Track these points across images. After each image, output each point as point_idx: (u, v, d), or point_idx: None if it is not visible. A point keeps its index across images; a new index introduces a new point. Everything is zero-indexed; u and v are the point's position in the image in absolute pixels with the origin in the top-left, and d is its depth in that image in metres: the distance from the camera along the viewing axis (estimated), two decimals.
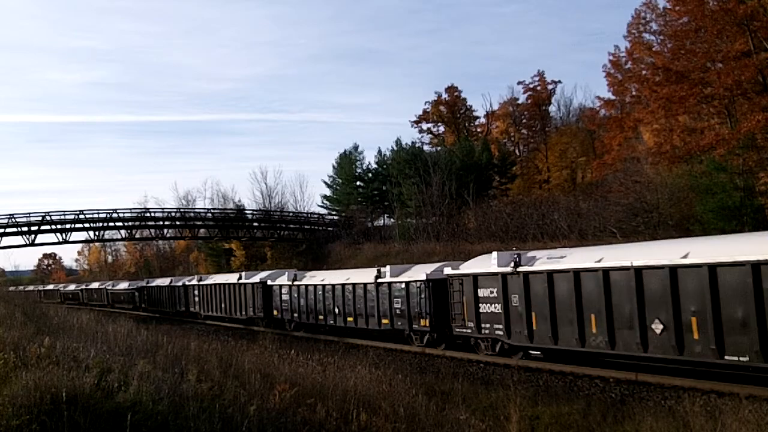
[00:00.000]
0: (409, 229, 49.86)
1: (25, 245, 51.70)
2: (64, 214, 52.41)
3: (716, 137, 30.30)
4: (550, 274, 15.59)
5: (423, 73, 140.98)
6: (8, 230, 50.15)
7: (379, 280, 22.47)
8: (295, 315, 27.96)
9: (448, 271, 19.35)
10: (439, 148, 59.85)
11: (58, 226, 52.32)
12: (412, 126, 68.03)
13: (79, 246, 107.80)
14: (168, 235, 65.44)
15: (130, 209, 58.06)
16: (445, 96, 66.02)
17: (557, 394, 13.54)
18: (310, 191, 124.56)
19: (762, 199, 27.92)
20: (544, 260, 16.12)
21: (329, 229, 61.18)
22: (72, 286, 78.81)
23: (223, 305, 34.83)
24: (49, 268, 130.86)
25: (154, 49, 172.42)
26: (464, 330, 18.66)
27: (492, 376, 16.33)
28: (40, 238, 52.90)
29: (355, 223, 57.87)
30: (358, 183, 62.54)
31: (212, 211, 63.78)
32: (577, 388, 14.35)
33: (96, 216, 54.03)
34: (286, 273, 30.00)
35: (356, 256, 50.33)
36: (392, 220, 57.95)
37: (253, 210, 65.02)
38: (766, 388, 11.85)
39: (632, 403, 12.38)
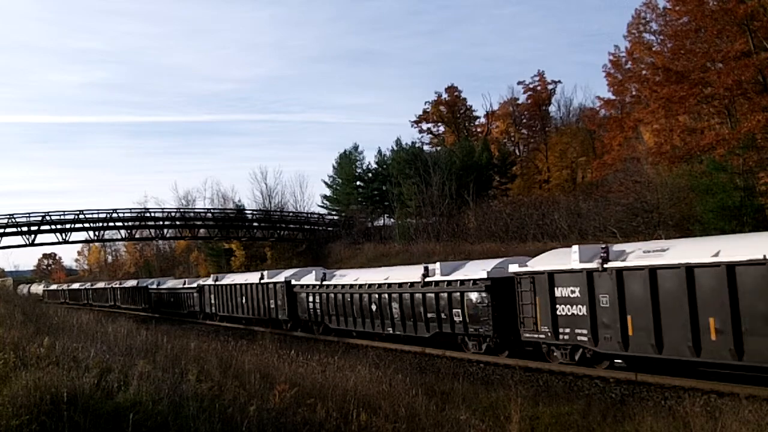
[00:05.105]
0: (409, 229, 49.88)
1: (25, 245, 51.74)
2: (64, 214, 52.41)
3: (716, 137, 30.30)
4: (653, 270, 13.44)
5: (423, 73, 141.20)
6: (8, 230, 50.16)
7: (428, 279, 20.43)
8: (326, 318, 25.87)
9: (514, 268, 17.26)
10: (439, 148, 59.88)
11: (58, 226, 52.31)
12: (412, 126, 68.28)
13: (78, 246, 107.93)
14: (168, 235, 65.45)
15: (130, 209, 58.19)
16: (445, 96, 66.08)
17: (557, 394, 13.54)
18: (310, 191, 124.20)
19: (762, 199, 27.90)
20: (640, 254, 14.19)
21: (329, 229, 61.17)
22: (173, 282, 47.57)
23: (243, 307, 32.66)
24: (49, 268, 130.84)
25: (155, 50, 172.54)
26: (536, 335, 16.48)
27: (492, 376, 16.35)
28: (40, 238, 53.00)
29: (355, 223, 57.87)
30: (358, 183, 62.54)
31: (212, 211, 63.77)
32: (577, 388, 14.35)
33: (96, 216, 54.05)
34: (313, 272, 27.33)
35: (356, 256, 50.34)
36: (392, 220, 57.94)
37: (253, 210, 65.06)
38: (766, 388, 11.85)
39: (632, 403, 12.38)
